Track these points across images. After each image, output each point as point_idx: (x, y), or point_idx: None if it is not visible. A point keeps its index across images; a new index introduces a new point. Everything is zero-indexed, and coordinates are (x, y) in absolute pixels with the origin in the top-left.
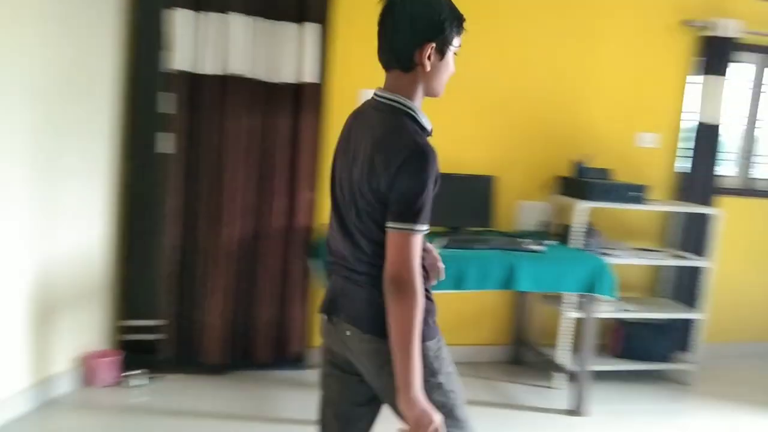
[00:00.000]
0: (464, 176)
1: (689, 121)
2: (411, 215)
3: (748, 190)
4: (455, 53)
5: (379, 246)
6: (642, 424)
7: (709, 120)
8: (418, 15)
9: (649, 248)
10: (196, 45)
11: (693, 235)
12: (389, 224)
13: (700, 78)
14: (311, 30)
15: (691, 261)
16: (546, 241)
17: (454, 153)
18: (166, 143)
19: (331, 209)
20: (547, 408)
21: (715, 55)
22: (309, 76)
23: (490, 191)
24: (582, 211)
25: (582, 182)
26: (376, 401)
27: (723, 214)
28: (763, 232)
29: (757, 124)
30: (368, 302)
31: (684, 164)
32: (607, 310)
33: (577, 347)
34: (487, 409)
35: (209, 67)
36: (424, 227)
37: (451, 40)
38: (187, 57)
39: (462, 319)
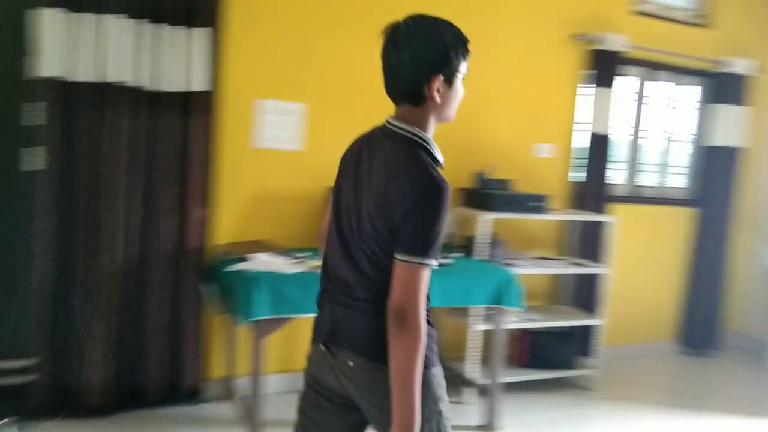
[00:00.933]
0: None
1: (582, 131)
2: (422, 249)
3: (637, 197)
4: (462, 78)
5: (387, 274)
6: None
7: (599, 130)
8: (423, 48)
9: (550, 257)
10: (68, 49)
11: (589, 242)
12: (399, 256)
13: (592, 90)
14: (200, 34)
15: (589, 268)
16: (452, 254)
17: None
18: (33, 159)
19: (334, 235)
20: (459, 426)
21: (603, 68)
22: (198, 83)
23: None
24: (486, 222)
25: (484, 193)
26: (361, 428)
27: (616, 220)
28: (651, 236)
29: (640, 134)
30: (374, 330)
31: (578, 174)
32: (513, 320)
33: (486, 360)
34: None
35: (84, 73)
36: (434, 262)
37: (458, 68)
38: (58, 62)
39: None
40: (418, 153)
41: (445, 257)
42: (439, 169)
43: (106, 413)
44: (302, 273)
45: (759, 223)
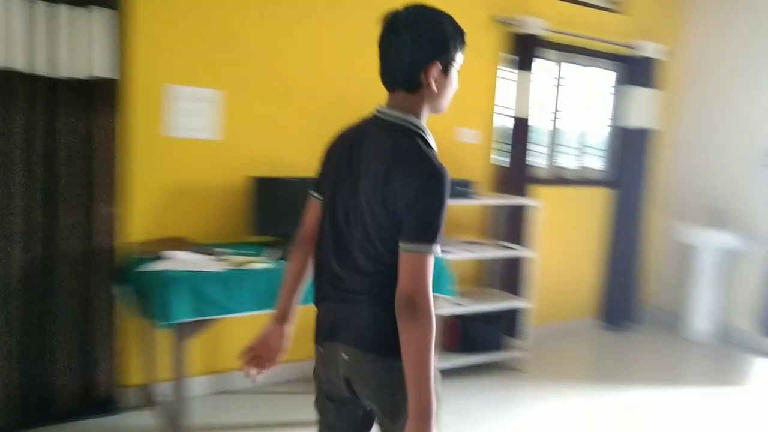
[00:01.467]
0: (295, 180)
1: (503, 115)
2: (428, 236)
3: (558, 179)
4: (458, 69)
5: (384, 266)
6: (485, 417)
7: (521, 114)
8: (423, 35)
9: (476, 241)
10: None
11: (514, 225)
12: (404, 245)
13: (513, 73)
14: (102, 15)
15: (515, 251)
16: None
17: (284, 155)
18: None
19: (327, 231)
20: None
21: (523, 51)
22: (101, 69)
23: None
24: None
25: None
26: (369, 421)
27: (539, 203)
28: (572, 217)
29: (559, 117)
30: (369, 322)
31: (501, 158)
32: (444, 307)
33: None
34: None
35: None
36: (439, 249)
37: (455, 58)
38: None
39: (301, 334)
40: (416, 142)
41: None
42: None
43: None
44: (225, 271)
45: (671, 201)
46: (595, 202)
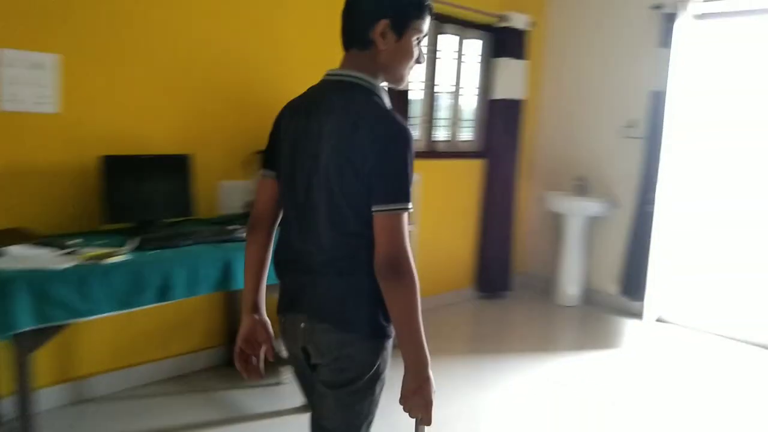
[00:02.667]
0: (153, 157)
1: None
2: (400, 194)
3: (433, 152)
4: (418, 40)
5: (350, 235)
6: None
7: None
8: None
9: None
10: None
11: None
12: (378, 207)
13: None
14: None
15: None
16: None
17: (137, 129)
18: None
19: (288, 205)
20: (278, 410)
21: None
22: None
23: (186, 173)
24: None
25: None
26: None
27: (418, 177)
28: (448, 189)
29: (434, 88)
30: (328, 292)
31: None
32: None
33: None
34: (213, 429)
35: None
36: (411, 205)
37: (410, 23)
38: None
39: (168, 328)
40: (374, 100)
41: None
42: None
43: None
44: (75, 266)
45: (540, 171)
46: (469, 174)
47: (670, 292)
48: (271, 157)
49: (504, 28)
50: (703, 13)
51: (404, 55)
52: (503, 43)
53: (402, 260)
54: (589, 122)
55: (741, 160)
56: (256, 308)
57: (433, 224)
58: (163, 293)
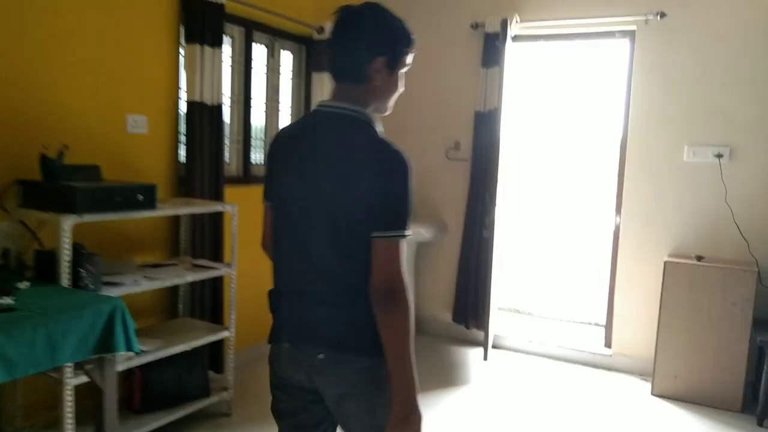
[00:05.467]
0: None
1: (190, 102)
2: (400, 221)
3: (251, 176)
4: (404, 72)
5: (349, 259)
6: None
7: (209, 100)
8: (374, 29)
9: (160, 263)
10: None
11: (208, 237)
12: (378, 233)
13: (196, 50)
14: None
15: (211, 270)
16: (15, 286)
17: None
18: None
19: (286, 233)
20: None
21: (206, 23)
22: None
23: None
24: (65, 229)
25: (59, 188)
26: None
27: (233, 208)
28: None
29: (248, 103)
30: (343, 322)
31: (186, 153)
32: (122, 361)
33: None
34: None
35: None
36: (410, 232)
37: (401, 59)
38: None
39: None
40: (371, 132)
41: (2, 293)
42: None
43: None
44: None
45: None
46: None
47: (503, 318)
48: (266, 183)
49: (321, 40)
50: (518, 35)
51: (393, 88)
52: (320, 56)
53: (397, 285)
54: (414, 144)
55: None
56: None
57: (254, 262)
58: None
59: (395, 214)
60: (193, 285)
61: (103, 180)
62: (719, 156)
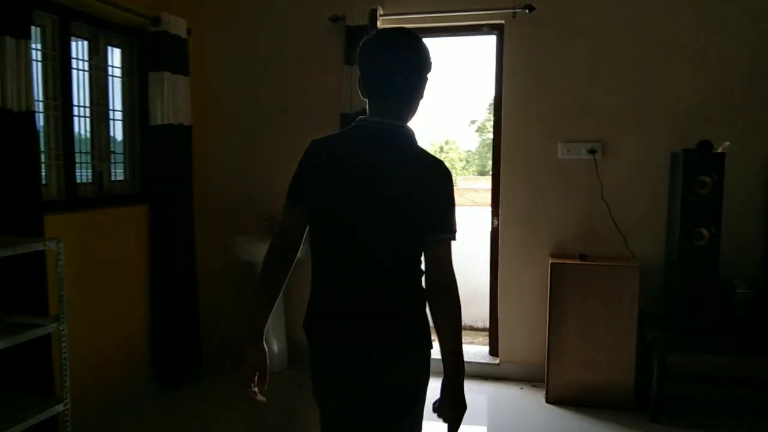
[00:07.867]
0: None
1: None
2: (453, 224)
3: (77, 200)
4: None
5: (404, 261)
6: None
7: (7, 104)
8: (422, 51)
9: None
10: None
11: (23, 285)
12: (436, 236)
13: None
14: None
15: (31, 329)
16: None
17: None
18: None
19: (331, 237)
20: None
21: (7, 8)
22: None
23: None
24: None
25: None
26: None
27: (58, 244)
28: (98, 255)
29: (63, 110)
30: (397, 319)
31: None
32: None
33: None
34: None
35: None
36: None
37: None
38: None
39: None
40: (418, 145)
41: None
42: None
43: None
44: None
45: (220, 213)
46: (128, 226)
47: None
48: (302, 190)
49: (157, 33)
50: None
51: (420, 102)
52: (157, 52)
53: (453, 281)
54: (275, 151)
55: None
56: (262, 337)
57: (88, 305)
58: None
59: (450, 218)
60: (9, 350)
61: None
62: (593, 152)
